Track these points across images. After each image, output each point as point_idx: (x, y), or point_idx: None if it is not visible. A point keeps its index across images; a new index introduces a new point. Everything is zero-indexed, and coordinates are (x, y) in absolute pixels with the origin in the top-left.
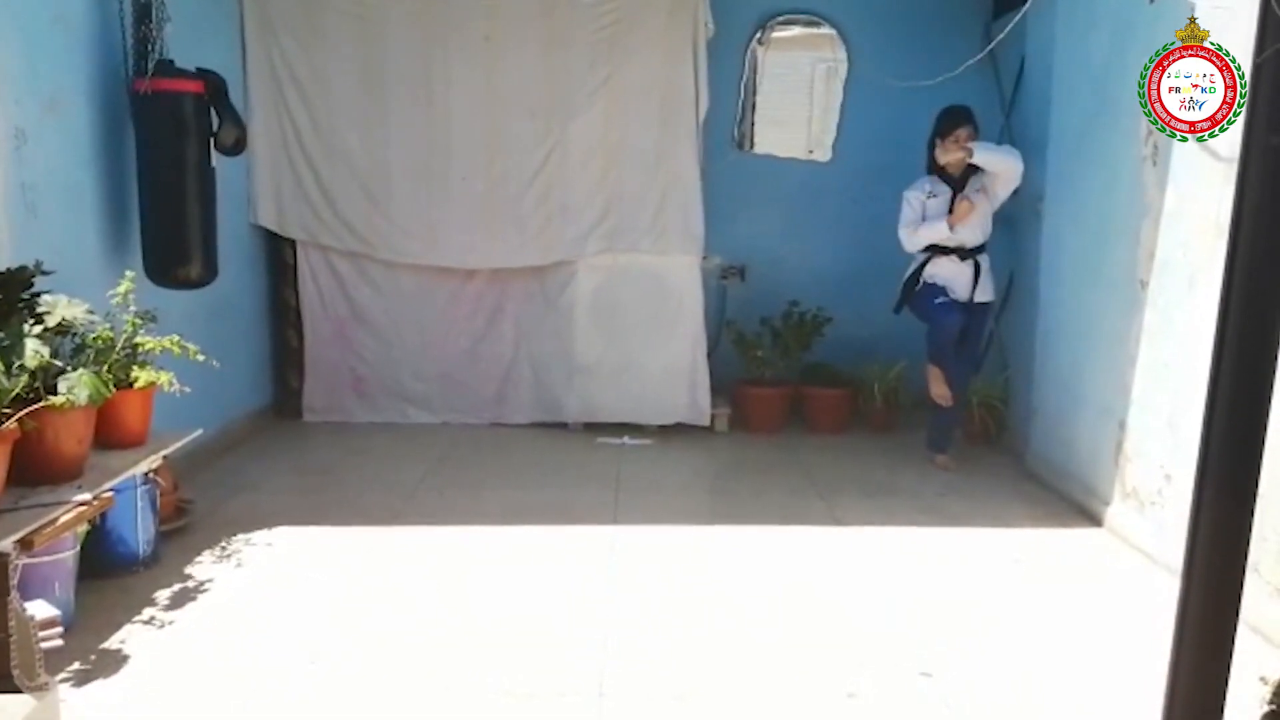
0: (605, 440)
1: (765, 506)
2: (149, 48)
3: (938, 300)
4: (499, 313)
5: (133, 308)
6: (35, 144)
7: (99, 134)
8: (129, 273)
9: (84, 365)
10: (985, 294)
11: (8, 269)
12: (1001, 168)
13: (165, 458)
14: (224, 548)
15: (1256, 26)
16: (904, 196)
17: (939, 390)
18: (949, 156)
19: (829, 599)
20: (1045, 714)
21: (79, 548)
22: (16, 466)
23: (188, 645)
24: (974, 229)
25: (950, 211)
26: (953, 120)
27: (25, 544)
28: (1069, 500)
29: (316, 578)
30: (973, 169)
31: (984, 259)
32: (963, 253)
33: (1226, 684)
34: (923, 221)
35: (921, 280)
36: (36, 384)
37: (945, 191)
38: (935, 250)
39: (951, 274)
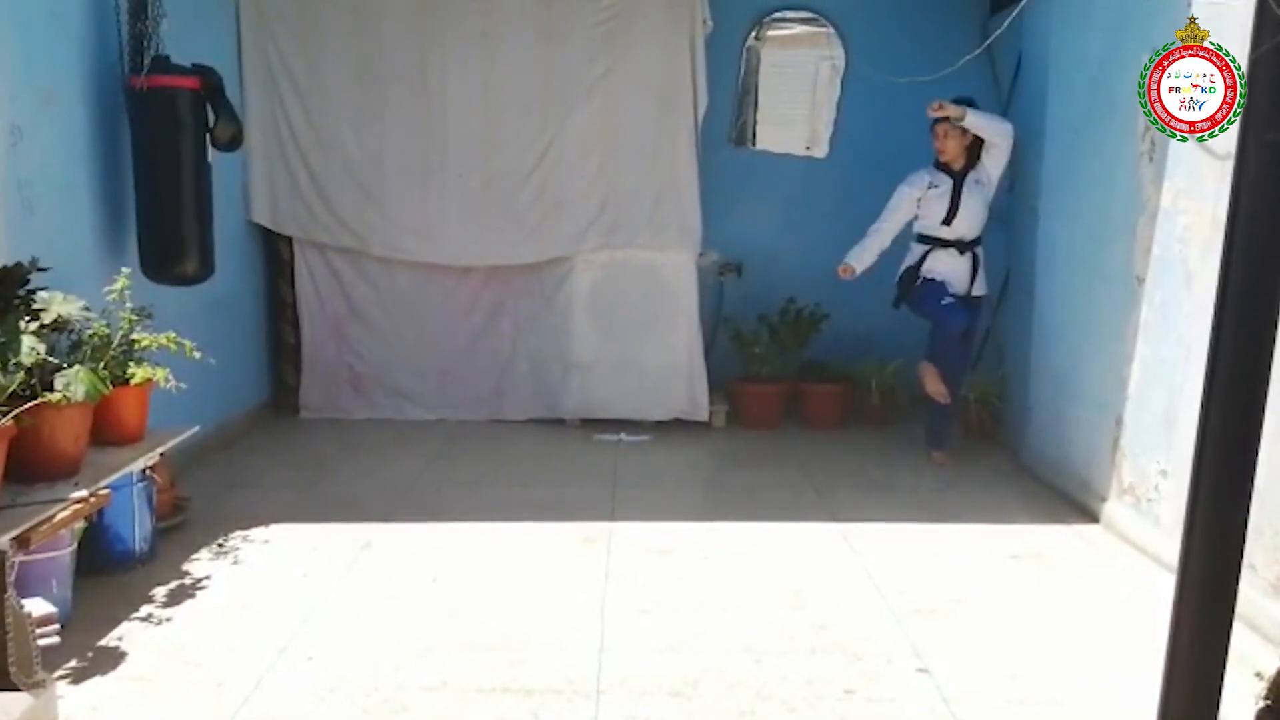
0: (602, 436)
1: (762, 503)
2: (145, 44)
3: (944, 301)
4: (496, 309)
5: (129, 304)
6: (31, 140)
7: (95, 130)
8: (125, 269)
9: (80, 362)
10: (981, 287)
11: (3, 266)
12: (991, 133)
13: (162, 454)
14: (221, 545)
15: (1253, 23)
16: (897, 189)
17: (936, 387)
18: (942, 111)
19: (826, 595)
20: (1042, 710)
21: (76, 545)
22: (13, 463)
23: (185, 642)
24: (971, 221)
25: (951, 206)
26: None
27: (22, 541)
28: (1065, 496)
29: (313, 574)
30: (972, 161)
31: (980, 251)
32: (961, 246)
33: (1222, 680)
34: (914, 217)
35: (921, 276)
36: (33, 381)
37: (946, 183)
38: (935, 243)
39: (951, 268)
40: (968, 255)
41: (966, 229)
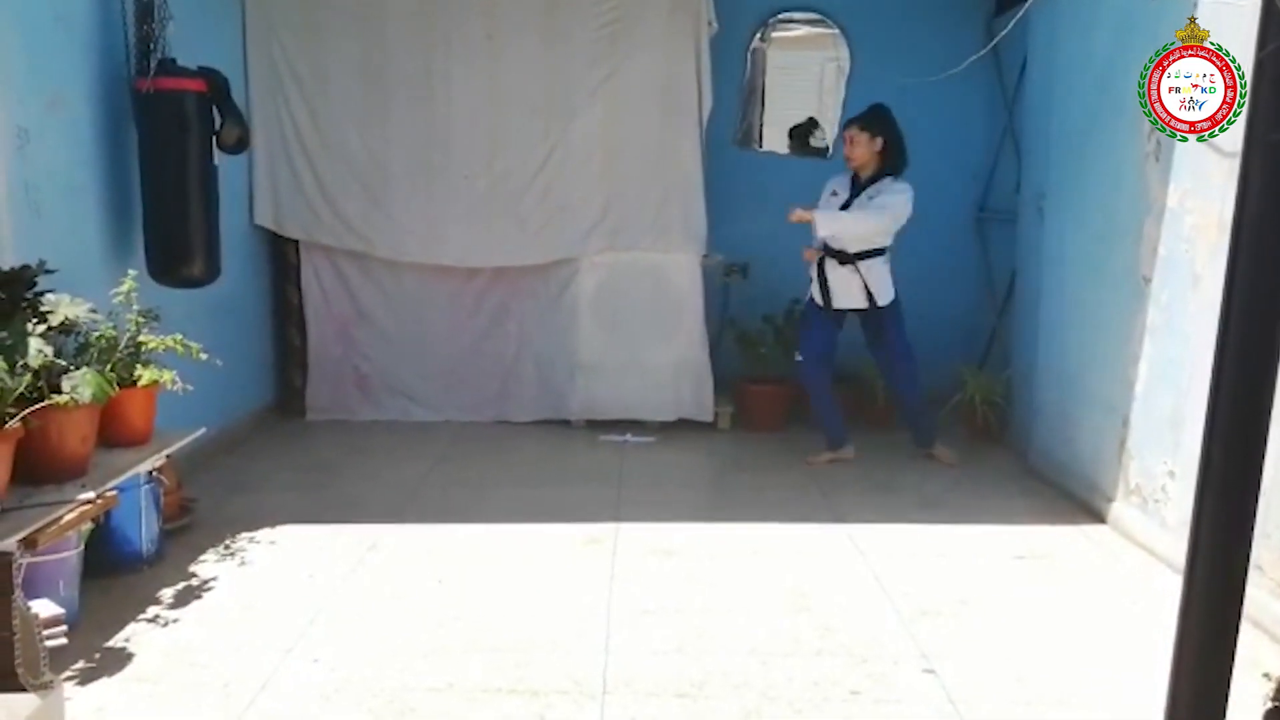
0: (608, 437)
1: (767, 503)
2: (151, 46)
3: (799, 358)
4: (502, 310)
5: (135, 307)
6: (37, 143)
7: (101, 133)
8: (132, 271)
9: (87, 364)
10: (878, 300)
11: (11, 268)
12: (839, 230)
13: (169, 456)
14: (227, 546)
15: (1258, 23)
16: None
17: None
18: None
19: (831, 596)
20: (1049, 710)
21: (83, 546)
22: (21, 465)
23: (191, 643)
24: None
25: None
26: (852, 117)
27: (29, 542)
28: (1072, 497)
29: (319, 576)
30: (881, 170)
31: (873, 264)
32: (843, 258)
33: (1229, 680)
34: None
35: (809, 293)
36: (40, 383)
37: (845, 193)
38: (825, 251)
39: (826, 278)
40: (849, 267)
41: (848, 241)
